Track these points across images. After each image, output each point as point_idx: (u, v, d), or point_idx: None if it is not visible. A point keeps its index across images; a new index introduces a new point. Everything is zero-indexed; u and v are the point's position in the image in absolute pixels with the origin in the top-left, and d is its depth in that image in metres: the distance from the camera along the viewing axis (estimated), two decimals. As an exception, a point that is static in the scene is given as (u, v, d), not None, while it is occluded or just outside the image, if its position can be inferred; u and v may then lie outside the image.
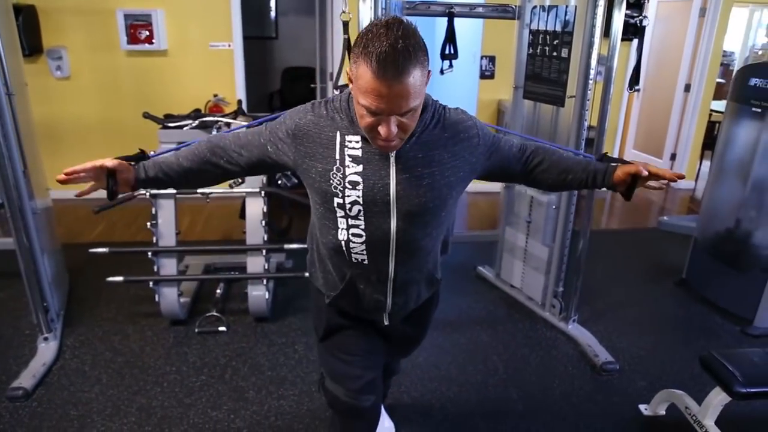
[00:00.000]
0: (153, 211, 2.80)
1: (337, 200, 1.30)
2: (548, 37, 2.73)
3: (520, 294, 3.32)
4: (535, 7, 2.82)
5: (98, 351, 2.72)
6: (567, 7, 2.62)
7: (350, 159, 1.27)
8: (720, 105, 5.19)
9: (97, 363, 2.63)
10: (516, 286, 3.36)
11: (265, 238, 2.94)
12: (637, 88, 2.70)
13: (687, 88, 5.46)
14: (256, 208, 2.90)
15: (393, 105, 1.12)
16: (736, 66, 6.83)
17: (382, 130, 1.16)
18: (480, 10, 3.05)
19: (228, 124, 2.92)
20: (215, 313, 2.99)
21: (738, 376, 1.92)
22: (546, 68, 2.78)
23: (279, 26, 6.66)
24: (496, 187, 4.11)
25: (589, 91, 2.62)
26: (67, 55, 4.42)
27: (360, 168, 1.27)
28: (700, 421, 2.11)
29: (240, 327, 2.95)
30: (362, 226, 1.32)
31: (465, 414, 2.38)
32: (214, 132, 2.87)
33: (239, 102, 3.39)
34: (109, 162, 1.33)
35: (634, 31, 2.75)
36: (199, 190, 2.91)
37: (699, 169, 5.64)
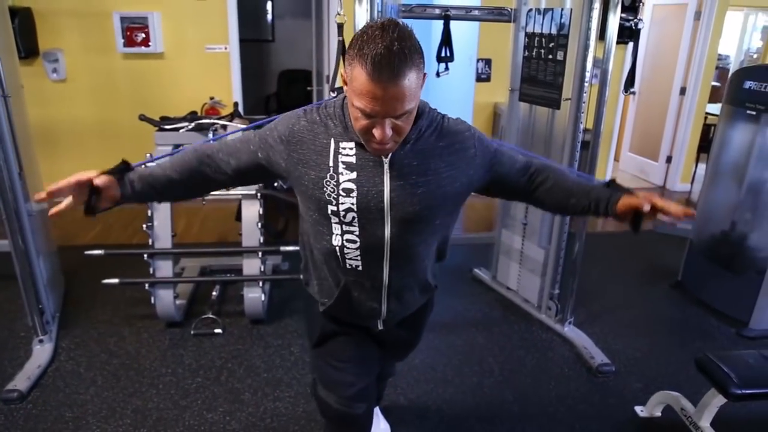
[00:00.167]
0: (149, 213, 2.79)
1: (331, 207, 1.28)
2: (544, 40, 2.75)
3: (516, 296, 3.33)
4: (530, 10, 2.83)
5: (94, 353, 2.71)
6: (562, 10, 2.63)
7: (344, 166, 1.26)
8: (715, 108, 5.21)
9: (92, 365, 2.62)
10: (512, 288, 3.37)
11: (261, 241, 2.94)
12: (632, 90, 2.72)
13: (682, 91, 5.48)
14: (252, 210, 2.90)
15: (388, 107, 1.11)
16: (732, 69, 6.85)
17: (376, 132, 1.15)
18: (476, 13, 3.06)
19: (224, 127, 2.92)
20: (211, 315, 2.98)
21: (733, 377, 1.93)
22: (542, 71, 2.79)
23: (275, 29, 6.67)
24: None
25: (584, 94, 2.63)
26: (64, 58, 4.42)
27: (354, 175, 1.26)
28: (696, 422, 2.12)
29: (236, 329, 2.94)
30: (356, 233, 1.31)
31: (461, 416, 2.38)
32: (210, 135, 2.87)
33: (235, 104, 3.39)
34: (97, 178, 1.25)
35: (629, 34, 2.77)
36: (195, 192, 2.92)
37: (694, 172, 5.66)
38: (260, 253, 2.95)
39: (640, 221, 1.34)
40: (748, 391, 1.91)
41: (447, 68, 2.88)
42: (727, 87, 3.26)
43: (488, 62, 4.91)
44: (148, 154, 2.77)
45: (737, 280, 3.15)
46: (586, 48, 2.56)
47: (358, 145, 1.26)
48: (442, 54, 2.85)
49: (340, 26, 2.24)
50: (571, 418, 2.39)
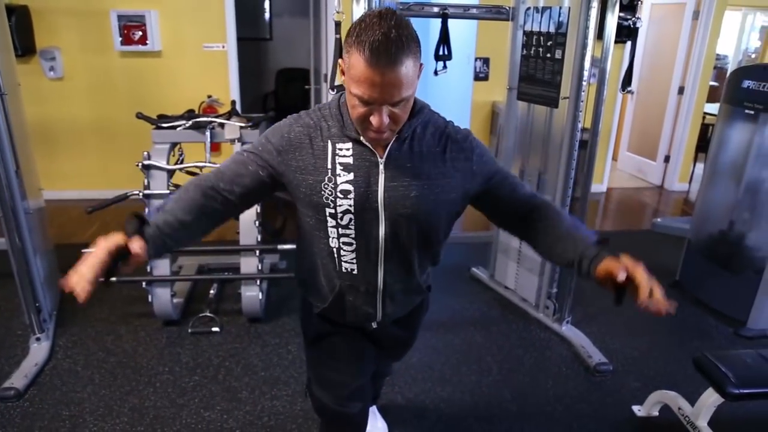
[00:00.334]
0: (146, 212, 2.78)
1: (328, 210, 1.28)
2: (542, 38, 2.74)
3: (514, 295, 3.33)
4: (528, 8, 2.83)
5: (91, 351, 2.70)
6: (560, 8, 2.62)
7: (341, 167, 1.26)
8: (713, 108, 5.21)
9: (89, 363, 2.61)
10: (510, 287, 3.36)
11: (259, 239, 2.93)
12: (630, 89, 2.71)
13: (681, 90, 5.49)
14: (249, 209, 2.89)
15: (385, 94, 1.11)
16: (730, 69, 6.86)
17: (374, 120, 1.15)
18: (474, 11, 3.05)
19: (221, 125, 2.91)
20: (208, 314, 2.98)
21: (731, 377, 1.93)
22: (540, 69, 2.79)
23: (273, 27, 6.66)
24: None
25: (582, 93, 2.63)
26: (61, 56, 4.41)
27: (351, 176, 1.25)
28: (693, 422, 2.12)
29: (233, 327, 2.94)
30: (352, 235, 1.31)
31: (459, 415, 2.38)
32: (207, 133, 2.86)
33: (233, 102, 3.38)
34: (132, 243, 1.13)
35: (627, 33, 2.77)
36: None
37: (692, 172, 5.67)
38: (258, 252, 2.95)
39: (622, 293, 1.21)
40: (745, 391, 1.91)
41: (445, 67, 2.88)
42: (725, 86, 3.26)
43: (486, 61, 4.90)
44: (145, 153, 2.77)
45: (735, 279, 3.15)
46: (584, 47, 2.56)
47: (355, 143, 1.26)
48: (440, 52, 2.85)
49: (338, 24, 2.24)
50: (569, 417, 2.39)
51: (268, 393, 2.45)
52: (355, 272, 1.37)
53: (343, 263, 1.36)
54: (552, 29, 2.68)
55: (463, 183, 1.32)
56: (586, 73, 2.60)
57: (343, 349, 1.56)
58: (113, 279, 1.15)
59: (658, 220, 4.63)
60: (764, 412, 2.42)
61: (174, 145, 2.95)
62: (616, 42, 2.56)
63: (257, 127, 2.97)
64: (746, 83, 3.01)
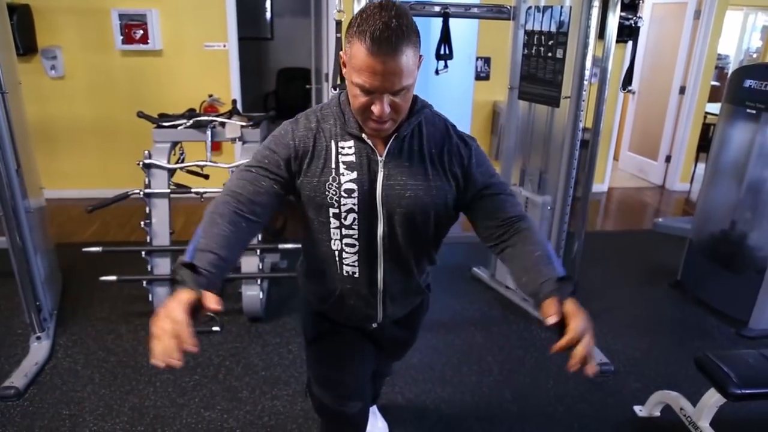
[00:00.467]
0: (147, 211, 2.78)
1: (332, 210, 1.28)
2: (543, 37, 2.74)
3: (515, 295, 3.32)
4: (530, 7, 2.83)
5: (91, 350, 2.70)
6: (562, 7, 2.62)
7: (344, 166, 1.26)
8: (715, 107, 5.20)
9: (89, 362, 2.61)
10: (511, 287, 3.36)
11: (260, 238, 2.93)
12: (630, 89, 2.71)
13: (682, 90, 5.48)
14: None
15: (386, 82, 1.12)
16: (731, 69, 6.85)
17: (375, 109, 1.16)
18: (475, 10, 3.05)
19: (222, 124, 2.91)
20: (209, 313, 2.97)
21: (733, 377, 1.92)
22: (541, 69, 2.78)
23: (274, 27, 6.65)
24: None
25: (584, 92, 2.62)
26: (62, 55, 4.40)
27: (354, 175, 1.26)
28: (695, 422, 2.11)
29: (234, 327, 2.93)
30: (356, 235, 1.31)
31: (459, 415, 2.38)
32: (208, 132, 2.86)
33: (234, 102, 3.38)
34: (208, 300, 1.05)
35: (629, 33, 2.77)
36: (193, 190, 2.91)
37: (694, 172, 5.65)
38: (258, 251, 2.94)
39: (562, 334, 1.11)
40: (747, 391, 1.90)
41: (446, 66, 2.88)
42: (727, 85, 3.25)
43: (487, 61, 4.90)
44: (145, 152, 2.77)
45: (737, 279, 3.15)
46: (585, 46, 2.55)
47: (357, 140, 1.26)
48: (441, 52, 2.84)
49: (339, 23, 2.24)
50: (570, 418, 2.39)
51: (268, 393, 2.45)
52: (356, 275, 1.37)
53: (344, 266, 1.36)
54: (553, 28, 2.67)
55: (455, 188, 1.32)
56: (587, 73, 2.59)
57: (343, 349, 1.55)
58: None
59: (660, 219, 4.62)
60: (766, 412, 2.41)
61: (175, 144, 2.95)
62: (617, 42, 2.55)
63: (258, 126, 2.97)
64: (748, 83, 3.01)
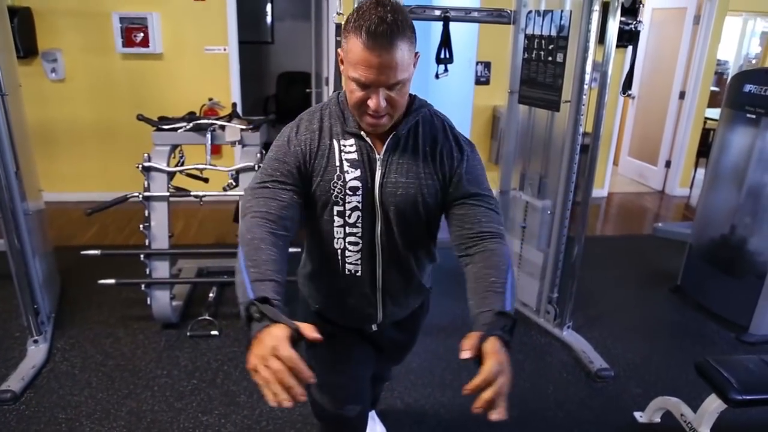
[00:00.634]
0: (146, 214, 2.77)
1: (337, 208, 1.29)
2: (543, 41, 2.74)
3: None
4: (530, 11, 2.83)
5: (89, 354, 2.69)
6: (562, 11, 2.62)
7: (348, 164, 1.27)
8: (714, 113, 5.21)
9: (87, 366, 2.60)
10: (511, 291, 3.34)
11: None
12: (630, 93, 2.70)
13: (682, 95, 5.48)
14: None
15: (382, 75, 1.13)
16: (730, 75, 6.86)
17: (371, 103, 1.17)
18: (475, 14, 3.05)
19: (222, 127, 2.91)
20: (207, 317, 2.96)
21: (734, 382, 1.91)
22: (541, 73, 2.78)
23: (275, 31, 6.67)
24: (491, 192, 4.11)
25: (584, 96, 2.62)
26: (62, 58, 4.41)
27: (358, 172, 1.27)
28: (696, 428, 2.10)
29: (232, 331, 2.92)
30: (359, 233, 1.32)
31: (458, 420, 2.36)
32: (208, 135, 2.85)
33: (234, 105, 3.37)
34: (307, 330, 1.04)
35: (628, 38, 2.76)
36: (192, 193, 2.90)
37: (693, 177, 5.65)
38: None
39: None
40: (748, 397, 1.89)
41: (446, 70, 2.87)
42: (726, 90, 3.25)
43: (487, 65, 4.90)
44: (145, 154, 2.76)
45: (737, 284, 3.14)
46: (585, 50, 2.55)
47: (357, 139, 1.27)
48: (442, 55, 2.84)
49: (340, 27, 2.23)
50: (570, 424, 2.37)
51: (266, 397, 2.44)
52: (358, 273, 1.37)
53: (347, 265, 1.36)
54: (554, 32, 2.67)
55: (441, 188, 1.31)
56: (587, 77, 2.59)
57: (342, 352, 1.54)
58: None
59: (660, 224, 4.62)
60: (767, 419, 2.40)
61: (174, 147, 2.94)
62: (617, 46, 2.55)
63: (258, 129, 2.96)
64: (748, 87, 3.01)
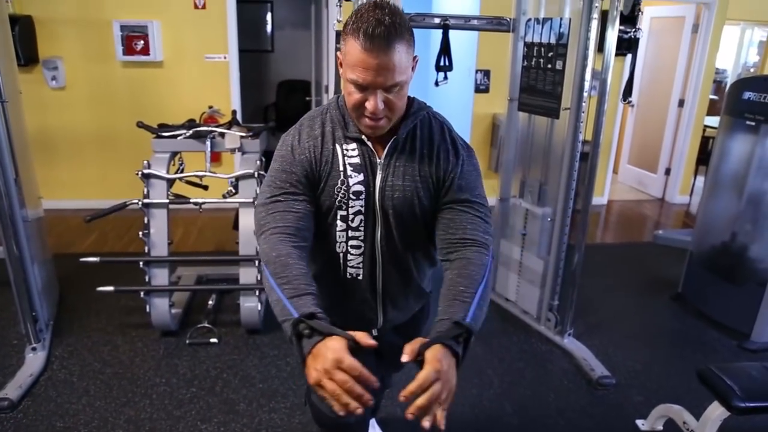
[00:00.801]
0: (145, 221, 2.77)
1: (341, 213, 1.29)
2: (543, 49, 2.75)
3: (515, 307, 3.30)
4: (529, 19, 2.84)
5: (87, 362, 2.67)
6: (561, 19, 2.63)
7: (351, 168, 1.27)
8: (713, 121, 5.22)
9: (85, 374, 2.58)
10: (511, 299, 3.34)
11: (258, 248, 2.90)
12: (630, 101, 2.71)
13: (681, 103, 5.50)
14: (249, 218, 2.87)
15: (379, 77, 1.14)
16: (729, 83, 6.88)
17: (369, 105, 1.17)
18: (475, 22, 3.06)
19: (222, 134, 2.91)
20: (207, 325, 2.95)
21: (736, 390, 1.90)
22: (541, 80, 2.79)
23: (275, 40, 6.69)
24: (490, 200, 4.11)
25: (583, 104, 2.63)
26: (63, 66, 4.42)
27: (361, 177, 1.27)
28: (698, 436, 2.09)
29: (232, 339, 2.91)
30: (361, 237, 1.32)
31: (459, 428, 2.34)
32: (208, 142, 2.85)
33: (233, 112, 3.38)
34: (363, 339, 1.06)
35: (627, 46, 2.77)
36: (192, 200, 2.90)
37: (693, 184, 5.66)
38: (257, 262, 2.92)
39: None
40: (751, 404, 1.88)
41: (446, 77, 2.88)
42: (725, 98, 3.26)
43: (487, 73, 4.92)
44: (145, 162, 2.76)
45: (738, 291, 3.13)
46: (585, 58, 2.56)
47: (358, 143, 1.28)
48: (441, 63, 2.85)
49: (339, 34, 2.24)
50: None
51: (266, 405, 2.42)
52: (360, 277, 1.37)
53: (348, 268, 1.36)
54: (553, 40, 2.68)
55: (437, 191, 1.31)
56: (587, 84, 2.60)
57: None
58: None
59: (660, 232, 4.61)
60: (770, 426, 2.39)
61: (174, 154, 2.94)
62: (616, 55, 2.56)
63: (257, 136, 2.96)
64: (747, 95, 3.01)
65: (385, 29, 1.10)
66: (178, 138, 2.88)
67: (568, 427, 2.38)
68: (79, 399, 2.41)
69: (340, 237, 1.32)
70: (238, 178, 2.84)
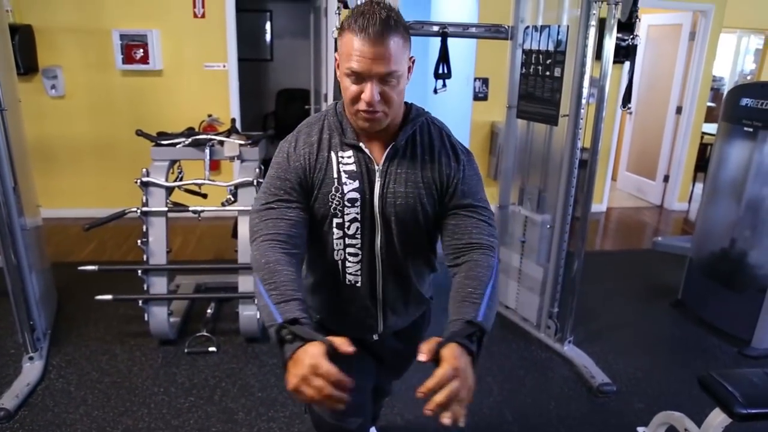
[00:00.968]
0: (144, 229, 2.76)
1: (336, 220, 1.29)
2: (541, 56, 2.76)
3: (515, 315, 3.29)
4: (527, 27, 2.85)
5: (85, 371, 2.66)
6: (559, 27, 2.64)
7: (346, 176, 1.27)
8: (711, 128, 5.24)
9: (83, 383, 2.56)
10: (510, 306, 3.33)
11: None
12: (629, 107, 2.72)
13: (679, 110, 5.52)
14: (248, 227, 2.87)
15: (374, 64, 1.14)
16: (726, 90, 6.91)
17: (364, 94, 1.17)
18: (473, 30, 3.08)
19: (221, 142, 2.91)
20: (205, 333, 2.93)
21: (738, 396, 1.89)
22: (539, 87, 2.80)
23: (274, 48, 6.72)
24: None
25: (582, 111, 2.63)
26: (62, 74, 4.43)
27: (357, 184, 1.27)
28: (700, 443, 2.07)
29: (230, 347, 2.89)
30: (359, 245, 1.32)
31: (460, 436, 2.33)
32: (207, 150, 2.85)
33: (233, 120, 3.38)
34: (342, 344, 1.06)
35: (625, 53, 2.78)
36: (191, 208, 2.89)
37: (692, 191, 5.67)
38: (256, 270, 2.91)
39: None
40: (753, 411, 1.87)
41: (444, 85, 2.89)
42: (723, 104, 3.27)
43: (485, 81, 4.93)
44: (144, 170, 2.76)
45: (738, 298, 3.12)
46: (583, 65, 2.57)
47: (355, 150, 1.28)
48: (440, 71, 2.86)
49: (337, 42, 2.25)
50: (572, 439, 2.35)
51: (264, 414, 2.40)
52: (358, 284, 1.37)
53: (347, 275, 1.36)
54: (551, 47, 2.69)
55: (440, 197, 1.31)
56: (585, 91, 2.61)
57: (342, 363, 1.52)
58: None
59: (659, 239, 4.60)
60: (772, 434, 2.38)
61: (173, 162, 2.94)
62: (614, 62, 2.57)
63: (257, 144, 2.97)
64: (744, 101, 3.02)
65: (381, 21, 1.12)
66: (177, 146, 2.88)
67: (569, 435, 2.37)
68: (76, 408, 2.39)
69: (337, 245, 1.32)
70: (236, 186, 2.84)
